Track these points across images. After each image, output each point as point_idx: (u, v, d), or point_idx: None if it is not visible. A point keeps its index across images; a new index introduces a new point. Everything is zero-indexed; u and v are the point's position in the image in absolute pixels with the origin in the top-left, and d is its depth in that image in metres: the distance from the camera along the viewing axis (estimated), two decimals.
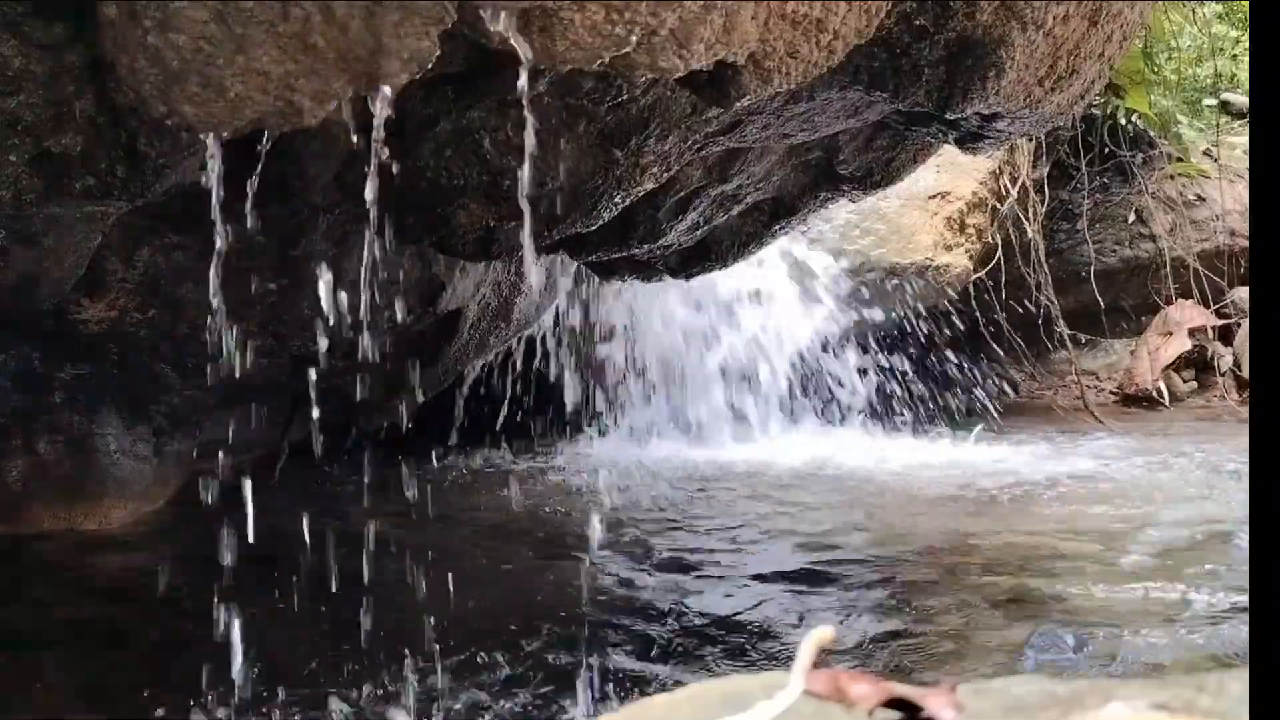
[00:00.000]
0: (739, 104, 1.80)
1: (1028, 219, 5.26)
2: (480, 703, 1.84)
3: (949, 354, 5.30)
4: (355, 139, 1.58)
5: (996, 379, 5.55)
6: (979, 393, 5.20)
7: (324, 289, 2.08)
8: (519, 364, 4.23)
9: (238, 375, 2.30)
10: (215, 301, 1.75)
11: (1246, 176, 5.87)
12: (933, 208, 4.96)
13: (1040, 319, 5.44)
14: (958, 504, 3.36)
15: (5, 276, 2.14)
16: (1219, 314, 5.70)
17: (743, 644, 2.15)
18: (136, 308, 2.64)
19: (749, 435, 4.61)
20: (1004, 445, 4.42)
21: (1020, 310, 5.42)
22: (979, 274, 5.13)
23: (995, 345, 5.46)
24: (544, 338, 4.26)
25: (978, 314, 5.29)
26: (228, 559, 1.87)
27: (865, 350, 4.93)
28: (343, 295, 2.05)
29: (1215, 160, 5.95)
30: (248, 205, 1.75)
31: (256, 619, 2.03)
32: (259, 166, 1.77)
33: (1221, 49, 6.60)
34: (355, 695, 1.85)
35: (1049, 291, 5.38)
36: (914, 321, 5.06)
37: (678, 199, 2.61)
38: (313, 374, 1.92)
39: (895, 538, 2.95)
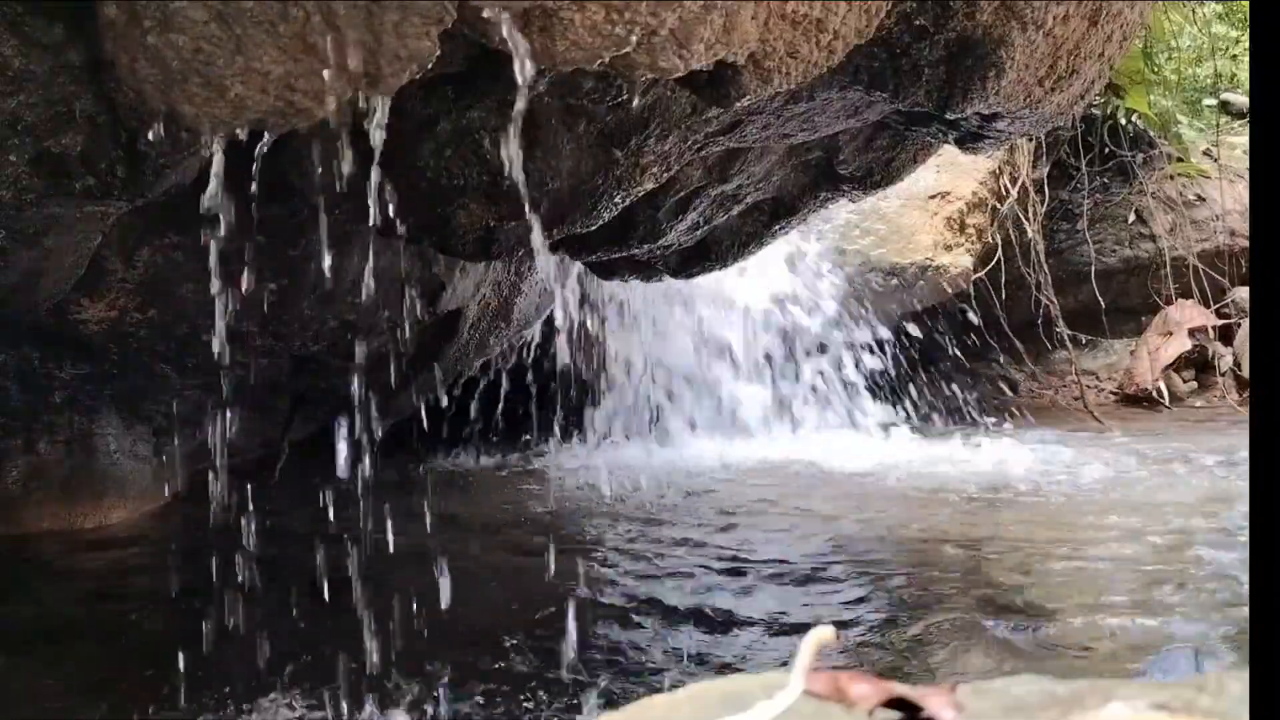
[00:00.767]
0: (739, 104, 1.80)
1: (1028, 219, 5.26)
2: (480, 703, 1.84)
3: (949, 354, 5.30)
4: (355, 139, 1.58)
5: (996, 379, 5.55)
6: (979, 393, 5.20)
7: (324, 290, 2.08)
8: (519, 364, 4.23)
9: (238, 375, 2.30)
10: (216, 302, 1.75)
11: (1246, 176, 5.87)
12: (933, 208, 4.96)
13: (1040, 319, 5.44)
14: (957, 504, 3.36)
15: (5, 276, 2.14)
16: (1219, 314, 5.70)
17: (743, 643, 2.15)
18: (136, 308, 2.64)
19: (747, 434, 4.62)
20: (1004, 445, 4.42)
21: (1020, 310, 5.42)
22: (979, 274, 5.12)
23: (995, 345, 5.46)
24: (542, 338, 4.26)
25: (977, 314, 5.29)
26: (227, 559, 1.87)
27: (872, 350, 4.93)
28: (342, 296, 2.05)
29: (1215, 160, 5.95)
30: (249, 205, 1.75)
31: (256, 619, 2.03)
32: (258, 166, 1.77)
33: (1221, 49, 6.60)
34: (354, 695, 1.85)
35: (1049, 291, 5.38)
36: (913, 322, 5.07)
37: (678, 199, 2.61)
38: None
39: (895, 537, 2.95)
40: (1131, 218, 5.89)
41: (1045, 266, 5.38)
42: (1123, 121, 5.72)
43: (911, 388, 4.95)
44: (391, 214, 1.77)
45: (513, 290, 3.52)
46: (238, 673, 1.81)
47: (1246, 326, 5.49)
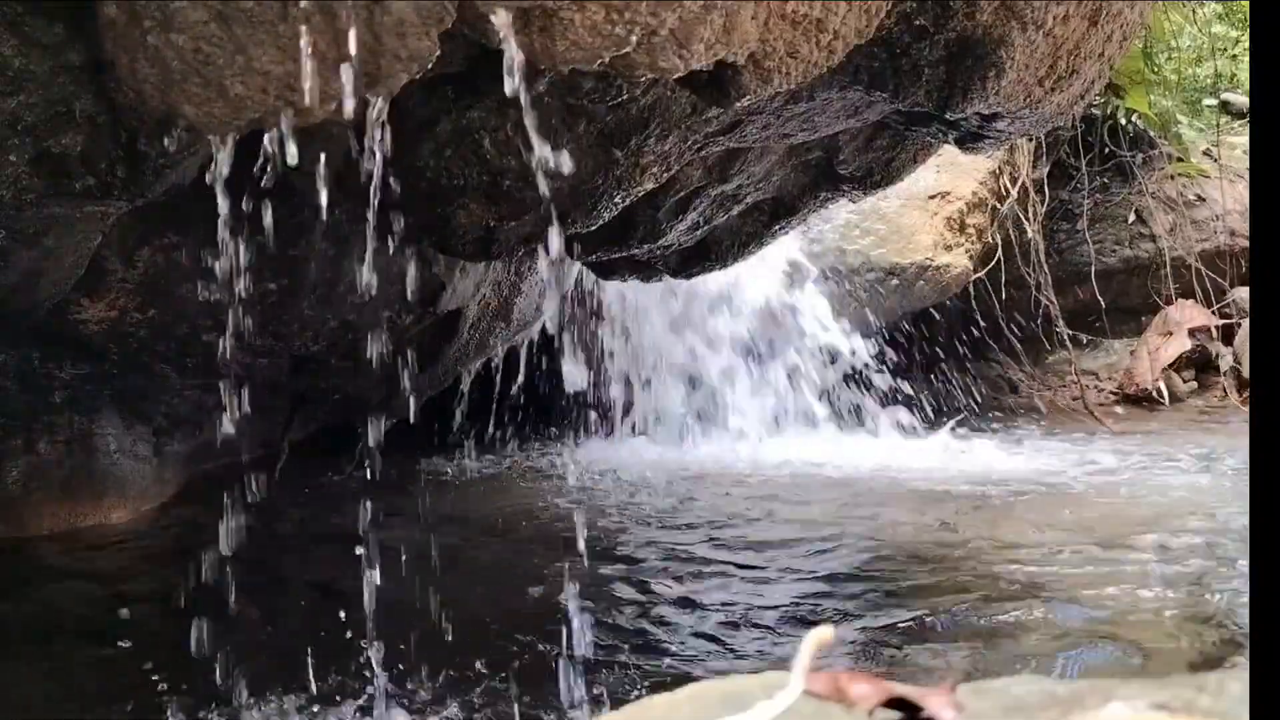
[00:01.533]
0: (739, 104, 1.80)
1: (1028, 219, 5.26)
2: (479, 703, 1.84)
3: (948, 354, 5.30)
4: (355, 139, 1.58)
5: (996, 379, 5.55)
6: (979, 393, 5.20)
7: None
8: (519, 363, 4.23)
9: (237, 375, 2.30)
10: (216, 301, 1.75)
11: (1246, 176, 5.87)
12: (933, 208, 4.96)
13: (1040, 319, 5.44)
14: (956, 504, 3.36)
15: (5, 276, 2.14)
16: (1219, 314, 5.70)
17: (742, 643, 2.15)
18: (136, 308, 2.64)
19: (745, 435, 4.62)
20: (1004, 445, 4.42)
21: (1020, 310, 5.42)
22: (979, 274, 5.12)
23: (995, 345, 5.46)
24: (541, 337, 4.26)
25: (977, 314, 5.29)
26: (227, 559, 1.87)
27: (871, 350, 4.93)
28: (342, 296, 2.05)
29: (1215, 160, 5.95)
30: (249, 205, 1.75)
31: (256, 619, 2.03)
32: (259, 165, 1.77)
33: (1221, 49, 6.60)
34: (356, 695, 1.85)
35: (1049, 291, 5.38)
36: (913, 322, 5.06)
37: (678, 199, 2.61)
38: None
39: (895, 537, 2.95)
40: (1131, 218, 5.89)
41: (1045, 266, 5.38)
42: (1123, 121, 5.72)
43: (912, 388, 4.95)
44: (391, 214, 1.77)
45: (513, 290, 3.52)
46: (238, 673, 1.81)
47: (1247, 326, 5.49)
